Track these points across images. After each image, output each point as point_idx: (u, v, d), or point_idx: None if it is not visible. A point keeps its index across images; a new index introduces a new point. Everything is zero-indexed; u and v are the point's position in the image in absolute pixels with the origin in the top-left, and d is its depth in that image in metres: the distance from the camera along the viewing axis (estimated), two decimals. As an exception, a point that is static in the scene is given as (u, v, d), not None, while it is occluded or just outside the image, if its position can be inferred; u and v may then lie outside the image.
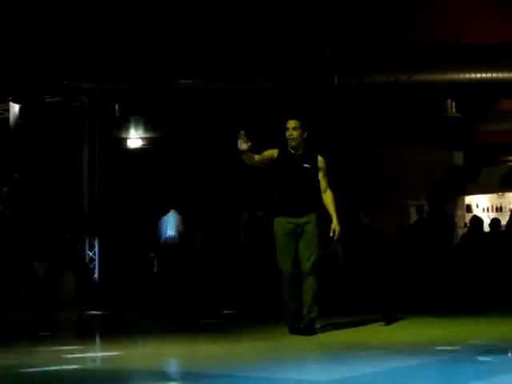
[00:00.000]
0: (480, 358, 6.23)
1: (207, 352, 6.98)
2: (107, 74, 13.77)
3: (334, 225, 7.81)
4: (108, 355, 6.92)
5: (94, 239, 13.45)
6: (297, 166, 7.84)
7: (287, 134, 7.90)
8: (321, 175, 7.89)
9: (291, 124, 7.90)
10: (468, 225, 13.83)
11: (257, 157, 7.70)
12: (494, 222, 13.22)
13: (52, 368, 6.11)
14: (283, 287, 7.83)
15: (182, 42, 13.63)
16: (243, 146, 7.34)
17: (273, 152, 7.87)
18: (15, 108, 13.45)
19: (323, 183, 7.88)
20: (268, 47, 13.71)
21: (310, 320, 7.76)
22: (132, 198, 15.58)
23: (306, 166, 7.84)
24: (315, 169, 7.86)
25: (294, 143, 7.87)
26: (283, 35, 13.54)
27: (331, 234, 7.81)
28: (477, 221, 13.36)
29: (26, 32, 13.06)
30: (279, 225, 7.87)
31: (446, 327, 8.90)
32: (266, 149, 7.89)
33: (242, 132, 7.37)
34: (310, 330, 7.72)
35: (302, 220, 7.80)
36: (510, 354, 6.58)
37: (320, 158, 7.91)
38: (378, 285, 12.92)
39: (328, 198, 7.88)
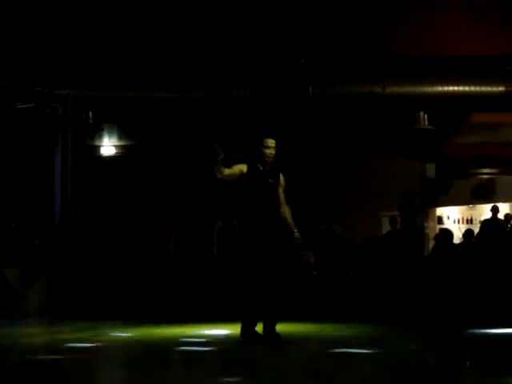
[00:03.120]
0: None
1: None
2: (81, 82, 13.71)
3: (297, 235, 8.34)
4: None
5: (66, 246, 13.34)
6: (264, 182, 8.26)
7: (268, 152, 8.27)
8: (281, 191, 8.38)
9: (272, 143, 8.32)
10: (436, 237, 13.95)
11: (227, 171, 8.12)
12: (468, 233, 13.40)
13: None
14: (250, 296, 8.09)
15: (156, 50, 13.60)
16: (216, 158, 7.86)
17: (242, 167, 8.26)
18: (-13, 114, 13.34)
19: (282, 198, 8.37)
20: (243, 57, 13.73)
21: (275, 327, 8.11)
22: (105, 205, 15.50)
23: (270, 181, 8.30)
24: (277, 185, 8.34)
25: (270, 161, 8.31)
26: (258, 44, 13.57)
27: (295, 242, 8.34)
28: (445, 233, 13.51)
29: (-1, 38, 12.97)
30: (250, 236, 8.17)
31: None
32: (236, 160, 8.15)
33: (216, 146, 7.87)
34: (278, 338, 8.06)
35: (270, 232, 8.16)
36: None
37: (281, 176, 8.42)
38: (350, 294, 12.99)
39: (287, 212, 8.38)
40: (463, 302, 12.08)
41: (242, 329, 8.09)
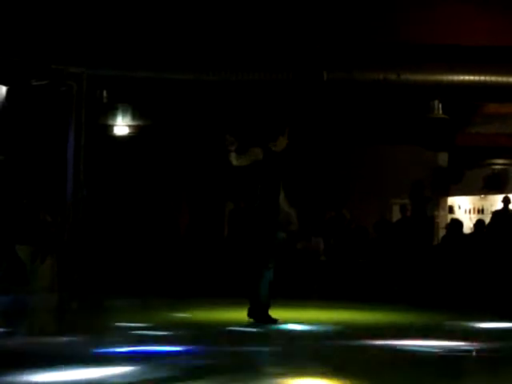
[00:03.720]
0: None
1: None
2: (96, 60, 13.71)
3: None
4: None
5: (77, 224, 13.40)
6: (276, 166, 8.35)
7: (286, 141, 8.39)
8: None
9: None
10: (447, 227, 13.98)
11: (242, 157, 8.17)
12: (479, 223, 13.43)
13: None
14: (265, 281, 8.25)
15: (170, 32, 13.62)
16: (230, 147, 7.96)
17: (258, 151, 8.26)
18: (2, 90, 13.37)
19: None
20: (258, 40, 13.72)
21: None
22: (117, 184, 15.55)
23: (279, 166, 8.41)
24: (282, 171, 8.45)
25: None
26: (273, 29, 13.56)
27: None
28: (456, 223, 13.53)
29: (15, 14, 12.99)
30: (269, 223, 8.27)
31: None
32: (248, 144, 8.22)
33: (228, 136, 7.99)
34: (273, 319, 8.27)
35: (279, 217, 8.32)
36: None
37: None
38: (359, 280, 13.05)
39: (283, 199, 8.43)
40: (472, 291, 12.11)
41: (258, 313, 8.19)
